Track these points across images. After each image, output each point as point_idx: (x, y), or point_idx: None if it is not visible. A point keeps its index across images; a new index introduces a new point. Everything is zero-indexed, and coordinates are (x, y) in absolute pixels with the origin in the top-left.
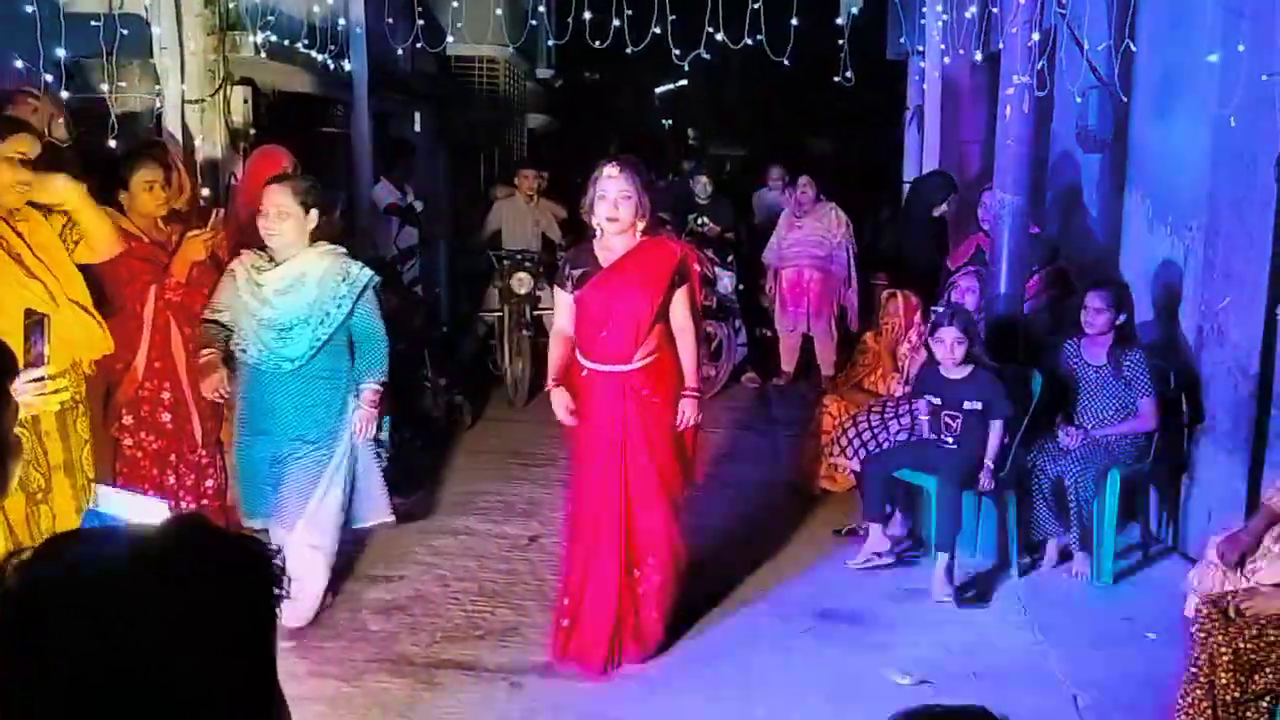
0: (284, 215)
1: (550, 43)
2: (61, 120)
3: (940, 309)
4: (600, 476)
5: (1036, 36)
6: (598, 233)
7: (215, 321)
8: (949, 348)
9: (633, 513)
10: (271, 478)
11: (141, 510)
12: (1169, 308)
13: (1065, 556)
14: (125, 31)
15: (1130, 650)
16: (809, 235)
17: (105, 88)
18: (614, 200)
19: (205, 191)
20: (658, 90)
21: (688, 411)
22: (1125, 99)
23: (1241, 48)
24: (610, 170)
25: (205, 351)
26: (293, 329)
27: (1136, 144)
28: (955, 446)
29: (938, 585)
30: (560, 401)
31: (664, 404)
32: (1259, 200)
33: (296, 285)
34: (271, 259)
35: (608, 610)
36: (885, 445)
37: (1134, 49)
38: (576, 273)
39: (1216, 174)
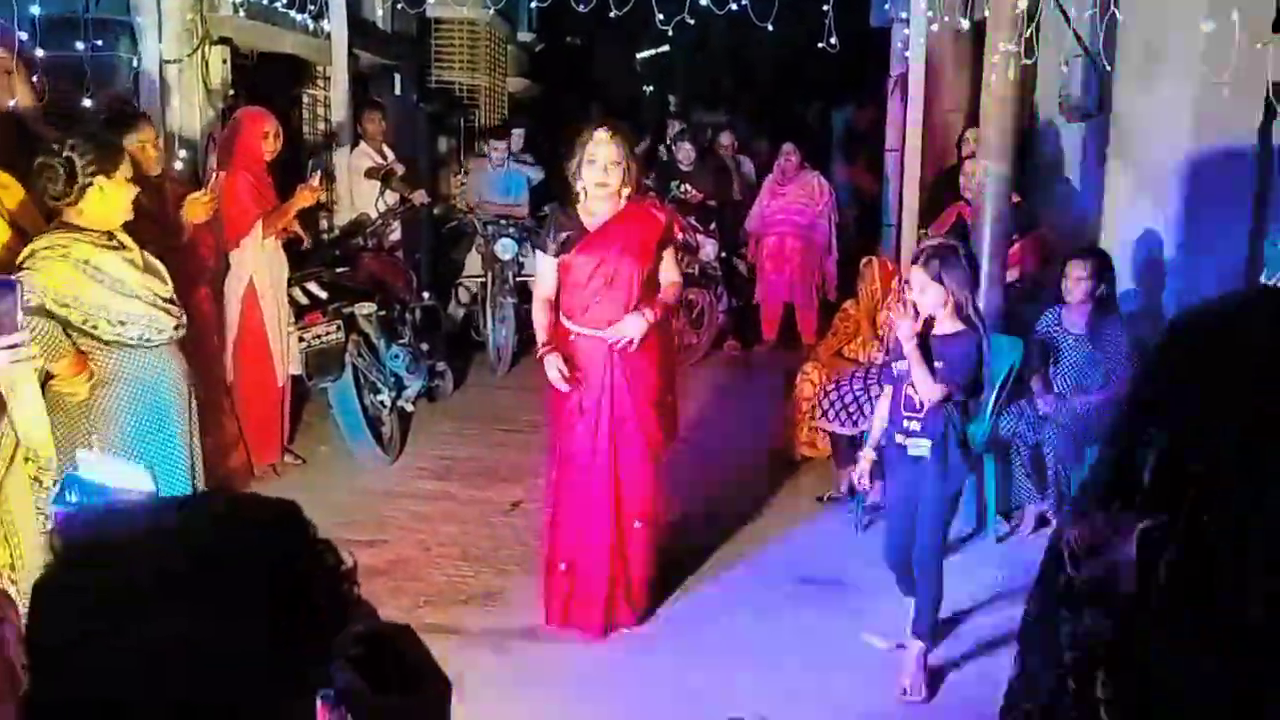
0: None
1: (532, 5)
2: (34, 79)
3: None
4: (589, 440)
5: (1023, 4)
6: (581, 196)
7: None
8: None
9: (620, 476)
10: None
11: (122, 476)
12: (1150, 277)
13: (1042, 522)
14: None
15: None
16: (791, 203)
17: (81, 46)
18: (604, 165)
19: (183, 154)
20: (639, 55)
21: (628, 323)
22: (1109, 68)
23: (1235, 15)
24: (601, 135)
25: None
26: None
27: (1120, 113)
28: (922, 435)
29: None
30: (554, 364)
31: (650, 366)
32: (1240, 170)
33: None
34: (110, 237)
35: (604, 573)
36: (868, 412)
37: (1119, 17)
38: (562, 236)
39: (1198, 144)
